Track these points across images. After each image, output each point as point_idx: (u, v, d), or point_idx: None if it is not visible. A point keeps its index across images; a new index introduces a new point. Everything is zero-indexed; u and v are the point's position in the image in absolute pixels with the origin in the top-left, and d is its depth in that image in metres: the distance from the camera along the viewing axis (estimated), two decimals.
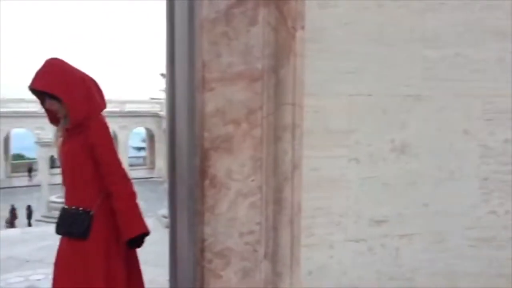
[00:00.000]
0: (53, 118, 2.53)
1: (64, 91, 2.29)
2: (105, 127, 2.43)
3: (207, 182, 1.60)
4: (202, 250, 1.63)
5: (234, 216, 1.63)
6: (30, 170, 34.85)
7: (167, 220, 5.52)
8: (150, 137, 39.77)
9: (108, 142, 2.42)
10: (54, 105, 2.37)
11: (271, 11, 1.55)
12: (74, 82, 2.33)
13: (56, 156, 2.66)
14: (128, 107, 36.80)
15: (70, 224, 2.35)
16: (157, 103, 38.90)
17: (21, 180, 34.27)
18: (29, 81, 2.38)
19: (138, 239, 2.43)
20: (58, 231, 2.40)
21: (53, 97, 2.33)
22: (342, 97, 1.69)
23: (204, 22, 1.53)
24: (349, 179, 1.75)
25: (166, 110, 6.62)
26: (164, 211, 5.75)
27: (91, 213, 2.34)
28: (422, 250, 1.91)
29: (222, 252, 1.63)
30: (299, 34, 1.56)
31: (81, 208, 2.36)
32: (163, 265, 4.34)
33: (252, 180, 1.63)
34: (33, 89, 2.36)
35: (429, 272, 1.93)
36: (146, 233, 2.45)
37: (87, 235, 2.32)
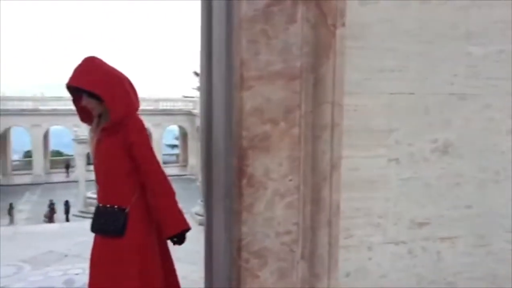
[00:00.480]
0: (85, 117, 2.55)
1: (105, 90, 2.31)
2: (142, 126, 2.46)
3: (244, 181, 1.59)
4: (239, 250, 1.62)
5: (271, 216, 1.61)
6: (67, 166, 35.85)
7: (200, 218, 5.58)
8: (183, 135, 40.25)
9: (146, 140, 2.45)
10: (91, 103, 2.39)
11: (310, 9, 1.52)
12: (113, 81, 2.36)
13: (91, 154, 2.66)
14: (162, 105, 37.34)
15: (105, 222, 2.38)
16: (190, 101, 39.33)
17: (59, 176, 35.30)
18: (67, 79, 2.42)
19: (180, 236, 2.46)
20: (93, 229, 2.43)
21: (91, 95, 2.36)
22: (382, 96, 1.65)
23: (242, 20, 1.51)
24: (389, 180, 1.71)
25: (201, 108, 6.60)
26: (198, 208, 5.81)
27: (127, 210, 2.37)
28: (464, 253, 1.85)
29: (259, 252, 1.62)
30: (339, 31, 1.53)
31: (116, 206, 2.38)
32: (196, 262, 4.38)
33: (290, 180, 1.61)
34: (71, 86, 2.39)
35: (471, 276, 1.87)
36: (188, 229, 2.47)
37: (123, 233, 2.35)
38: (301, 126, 1.58)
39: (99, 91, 2.32)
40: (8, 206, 25.39)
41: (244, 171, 1.59)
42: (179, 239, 2.46)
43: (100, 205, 2.43)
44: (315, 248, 1.65)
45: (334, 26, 1.53)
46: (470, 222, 1.83)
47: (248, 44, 1.53)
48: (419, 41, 1.66)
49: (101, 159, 2.44)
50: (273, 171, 1.59)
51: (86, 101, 2.39)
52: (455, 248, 1.82)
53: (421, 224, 1.76)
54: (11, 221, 24.13)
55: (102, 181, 2.45)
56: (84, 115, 2.54)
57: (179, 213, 2.45)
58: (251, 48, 1.53)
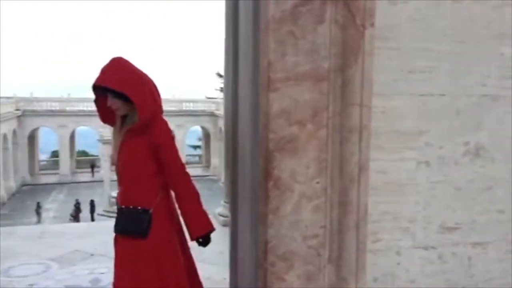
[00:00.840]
0: (106, 117, 2.53)
1: (134, 91, 2.31)
2: (168, 128, 2.46)
3: (271, 183, 1.58)
4: (265, 252, 1.61)
5: (297, 219, 1.60)
6: (92, 166, 36.43)
7: (224, 219, 5.58)
8: (206, 135, 40.46)
9: (172, 142, 2.46)
10: (116, 103, 2.36)
11: (339, 9, 1.50)
12: (141, 82, 2.36)
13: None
14: (185, 106, 37.64)
15: (129, 223, 2.37)
16: (213, 102, 39.54)
17: (85, 175, 35.91)
18: (93, 80, 2.41)
19: (205, 237, 2.47)
20: (117, 230, 2.42)
21: (117, 95, 2.34)
22: (412, 97, 1.61)
23: (270, 21, 1.50)
24: (418, 183, 1.67)
25: (225, 109, 6.62)
26: (221, 209, 5.81)
27: (150, 211, 2.38)
28: (496, 259, 1.79)
29: (285, 255, 1.61)
30: (368, 31, 1.50)
31: (139, 207, 2.39)
32: (220, 263, 4.39)
33: (317, 182, 1.59)
34: (98, 86, 2.37)
35: (503, 283, 1.81)
36: (212, 230, 2.48)
37: (147, 234, 2.35)
38: (329, 128, 1.56)
39: (128, 91, 2.31)
40: (35, 205, 25.96)
41: (271, 173, 1.57)
42: (205, 241, 2.46)
43: (123, 206, 2.41)
44: (343, 252, 1.63)
45: (363, 26, 1.50)
46: (502, 227, 1.78)
47: (276, 45, 1.51)
48: (451, 41, 1.62)
49: (125, 160, 2.41)
50: (300, 173, 1.58)
51: (111, 101, 2.37)
52: (486, 254, 1.77)
53: (451, 229, 1.72)
54: (39, 220, 24.67)
55: (126, 182, 2.43)
56: (106, 115, 2.52)
57: (204, 214, 2.46)
58: (278, 49, 1.52)
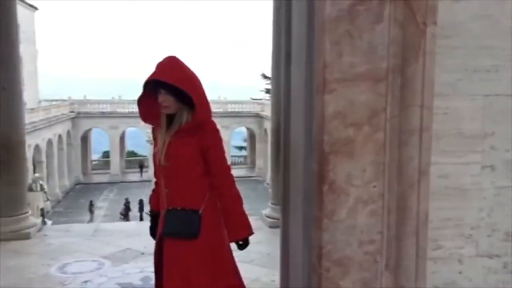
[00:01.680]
0: (148, 116, 2.45)
1: (193, 90, 2.30)
2: (218, 129, 2.47)
3: (325, 187, 1.54)
4: (320, 257, 1.57)
5: (353, 224, 1.55)
6: (141, 166, 37.41)
7: (271, 220, 5.56)
8: (251, 136, 40.65)
9: (221, 144, 2.47)
10: (169, 100, 2.32)
11: (398, 7, 1.45)
12: (197, 81, 2.35)
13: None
14: (230, 108, 37.98)
15: (180, 225, 2.36)
16: (258, 103, 39.67)
17: (134, 175, 36.93)
18: (141, 82, 2.38)
19: (245, 240, 2.49)
20: (167, 232, 2.39)
21: (170, 92, 2.29)
22: (476, 98, 1.53)
23: (326, 21, 1.47)
24: (482, 188, 1.58)
25: (272, 111, 6.58)
26: (268, 211, 5.80)
27: (200, 212, 2.39)
28: None
29: (341, 261, 1.57)
30: (430, 29, 1.43)
31: (189, 208, 2.39)
32: (268, 265, 4.38)
33: (374, 187, 1.54)
34: (155, 81, 2.30)
35: None
36: (251, 234, 2.50)
37: (198, 235, 2.36)
38: (387, 130, 1.51)
39: (188, 89, 2.29)
40: (89, 204, 26.93)
41: (325, 176, 1.54)
42: (244, 244, 2.48)
43: (170, 208, 2.40)
44: (401, 259, 1.56)
45: (425, 24, 1.44)
46: None
47: (331, 45, 1.48)
48: None
49: (176, 161, 2.38)
50: (356, 177, 1.53)
51: (164, 98, 2.32)
52: None
53: None
54: (92, 218, 25.59)
55: (176, 184, 2.40)
56: (146, 114, 2.46)
57: (246, 217, 2.49)
58: (334, 49, 1.48)
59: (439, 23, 1.48)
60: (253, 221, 5.89)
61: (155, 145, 2.52)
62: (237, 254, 4.75)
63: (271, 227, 5.49)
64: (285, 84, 2.05)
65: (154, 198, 2.64)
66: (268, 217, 5.67)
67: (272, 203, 5.84)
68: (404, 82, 1.49)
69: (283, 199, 2.13)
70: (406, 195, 1.54)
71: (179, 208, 2.38)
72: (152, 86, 2.35)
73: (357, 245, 1.56)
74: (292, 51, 1.93)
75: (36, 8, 34.54)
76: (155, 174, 2.60)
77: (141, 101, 2.42)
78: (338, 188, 1.54)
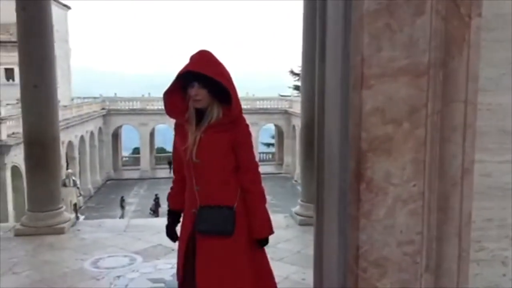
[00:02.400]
0: (173, 111, 2.41)
1: (230, 84, 2.29)
2: (248, 125, 2.45)
3: (363, 185, 1.50)
4: (356, 258, 1.53)
5: (392, 224, 1.50)
6: (170, 162, 37.75)
7: (301, 218, 5.53)
8: (279, 133, 40.57)
9: (251, 141, 2.46)
10: (202, 94, 2.27)
11: None
12: (230, 76, 2.33)
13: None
14: (259, 104, 37.96)
15: (215, 222, 2.34)
16: (286, 100, 39.54)
17: (163, 171, 37.39)
18: (170, 79, 2.34)
19: (266, 239, 2.48)
20: (202, 230, 2.35)
21: (204, 86, 2.26)
22: None
23: (364, 14, 1.42)
24: None
25: (301, 108, 6.53)
26: (298, 208, 5.76)
27: (234, 209, 2.37)
28: None
29: (378, 262, 1.52)
30: (474, 22, 1.37)
31: (223, 206, 2.36)
32: (298, 263, 4.35)
33: (413, 185, 1.48)
34: (188, 73, 2.26)
35: None
36: (272, 233, 2.53)
37: (234, 232, 2.34)
38: (428, 127, 1.45)
39: (225, 82, 2.26)
40: (120, 199, 27.42)
41: (363, 175, 1.49)
42: (265, 242, 2.48)
43: (203, 205, 2.36)
44: (442, 260, 1.51)
45: (469, 16, 1.37)
46: None
47: (370, 39, 1.43)
48: None
49: (208, 158, 2.34)
50: (395, 175, 1.48)
51: (198, 91, 2.27)
52: None
53: None
54: (123, 213, 26.05)
55: (208, 181, 2.37)
56: (173, 109, 2.41)
57: (269, 216, 2.49)
58: (373, 43, 1.43)
59: (484, 15, 1.41)
60: (282, 218, 5.90)
61: (178, 141, 2.46)
62: (267, 251, 4.73)
63: (301, 224, 5.46)
64: (319, 80, 2.00)
65: (175, 196, 2.60)
66: (298, 214, 5.64)
67: (302, 201, 5.80)
68: (447, 77, 1.43)
69: (317, 198, 2.09)
70: (448, 194, 1.48)
71: (212, 205, 2.35)
72: (184, 79, 2.31)
73: (395, 246, 1.51)
74: (327, 47, 1.89)
75: (69, 7, 35.33)
76: (176, 171, 2.57)
77: (166, 95, 2.38)
78: (376, 187, 1.49)
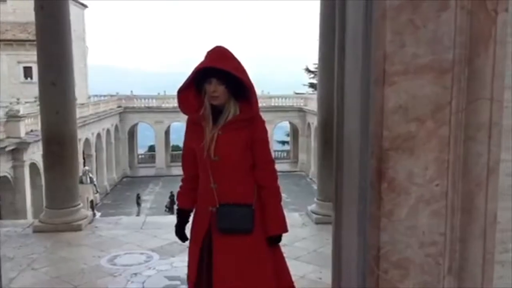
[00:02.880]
0: (188, 108, 2.37)
1: (249, 80, 2.27)
2: (264, 122, 2.43)
3: (385, 185, 1.47)
4: (377, 258, 1.50)
5: (414, 224, 1.47)
6: None
7: (317, 216, 5.49)
8: (294, 131, 40.46)
9: (267, 137, 2.44)
10: (220, 90, 2.25)
11: None
12: (247, 73, 2.31)
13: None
14: (274, 102, 37.89)
15: (235, 220, 2.30)
16: (301, 97, 39.40)
17: (178, 169, 37.19)
18: (186, 76, 2.30)
19: (279, 237, 2.46)
20: (223, 228, 2.32)
21: (223, 83, 2.23)
22: None
23: (387, 9, 1.39)
24: None
25: (318, 106, 6.46)
26: (314, 206, 5.72)
27: (253, 207, 2.35)
28: None
29: (400, 263, 1.49)
30: (501, 17, 1.33)
31: (243, 203, 2.34)
32: (314, 262, 4.32)
33: (436, 185, 1.45)
34: (208, 69, 2.22)
35: None
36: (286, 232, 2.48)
37: (253, 229, 2.32)
38: (452, 125, 1.42)
39: (245, 79, 2.24)
40: (136, 196, 27.63)
41: (385, 174, 1.46)
42: (278, 239, 2.45)
43: (222, 203, 2.33)
44: (465, 262, 1.47)
45: (495, 11, 1.33)
46: None
47: (393, 35, 1.40)
48: None
49: (227, 155, 2.30)
50: (418, 175, 1.45)
51: (216, 87, 2.24)
52: None
53: None
54: (139, 210, 26.27)
55: (226, 178, 2.33)
56: (186, 106, 2.38)
57: (284, 214, 2.45)
58: (396, 40, 1.40)
59: (511, 10, 1.37)
60: (298, 217, 5.87)
61: (192, 139, 2.41)
62: (283, 250, 4.70)
63: (317, 223, 5.42)
64: (338, 78, 1.97)
65: (185, 195, 2.54)
66: (314, 213, 5.60)
67: (318, 199, 5.76)
68: (472, 74, 1.39)
69: (335, 197, 2.06)
70: (473, 195, 1.44)
71: (231, 203, 2.32)
72: (200, 75, 2.28)
73: (417, 247, 1.48)
74: (347, 44, 1.86)
75: (86, 6, 35.66)
76: (186, 169, 2.51)
77: (180, 92, 2.35)
78: (398, 186, 1.46)
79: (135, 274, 4.07)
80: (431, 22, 1.37)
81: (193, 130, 2.40)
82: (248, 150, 2.34)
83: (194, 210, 2.53)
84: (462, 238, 1.47)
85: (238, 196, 2.35)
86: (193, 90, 2.33)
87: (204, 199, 2.40)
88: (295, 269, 4.08)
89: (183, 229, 2.57)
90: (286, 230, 2.46)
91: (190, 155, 2.44)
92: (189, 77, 2.30)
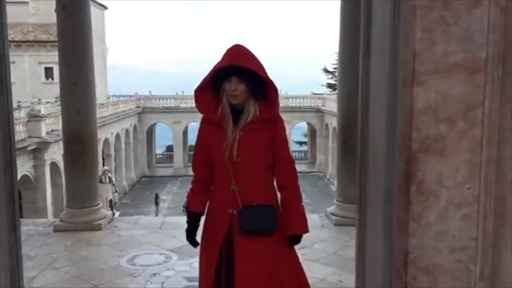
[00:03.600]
0: (206, 108, 2.31)
1: (272, 80, 2.24)
2: (283, 121, 2.40)
3: (413, 188, 1.42)
4: (405, 264, 1.45)
5: (444, 229, 1.42)
6: None
7: (336, 218, 5.43)
8: (312, 131, 40.28)
9: (286, 137, 2.41)
10: (240, 88, 2.20)
11: None
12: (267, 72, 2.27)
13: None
14: (291, 102, 37.78)
15: (259, 222, 2.25)
16: (319, 97, 39.21)
17: None
18: (201, 76, 2.27)
19: (299, 237, 2.40)
20: (247, 229, 2.25)
21: (244, 82, 2.19)
22: None
23: (417, 6, 1.34)
24: None
25: (338, 107, 6.38)
26: (334, 208, 5.65)
27: (275, 207, 2.32)
28: None
29: (429, 268, 1.44)
30: None
31: (266, 204, 2.30)
32: (334, 264, 4.27)
33: (468, 188, 1.40)
34: (229, 68, 2.17)
35: None
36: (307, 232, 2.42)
37: (275, 230, 2.30)
38: (484, 126, 1.36)
39: (267, 78, 2.20)
40: (154, 196, 27.82)
41: (414, 176, 1.41)
42: (298, 240, 2.39)
43: (245, 205, 2.27)
44: (498, 268, 1.41)
45: None
46: None
47: (423, 33, 1.35)
48: None
49: (249, 156, 2.26)
50: (448, 177, 1.40)
51: (236, 86, 2.19)
52: None
53: None
54: (157, 209, 26.45)
55: (248, 180, 2.28)
56: (204, 106, 2.32)
57: (305, 214, 2.40)
58: (426, 37, 1.35)
59: None
60: (317, 218, 5.80)
61: (209, 140, 2.34)
62: (302, 252, 4.65)
63: (336, 224, 5.36)
64: (363, 78, 1.92)
65: (197, 197, 2.45)
66: (334, 214, 5.54)
67: (337, 200, 5.70)
68: (506, 72, 1.34)
69: (359, 199, 2.02)
70: (506, 198, 1.39)
71: (254, 204, 2.27)
72: (220, 74, 2.22)
73: (447, 252, 1.42)
74: (373, 43, 1.81)
75: (105, 7, 36.08)
76: (199, 171, 2.43)
77: (197, 92, 2.30)
78: (427, 189, 1.41)
79: (154, 274, 4.07)
80: (463, 19, 1.32)
81: (211, 130, 2.33)
82: (269, 150, 2.31)
83: (206, 214, 2.44)
84: (495, 243, 1.41)
85: (261, 197, 2.32)
86: (209, 90, 2.28)
87: (223, 201, 2.34)
88: (314, 271, 4.04)
89: (195, 233, 2.47)
90: (307, 230, 2.40)
91: (204, 156, 2.37)
92: (208, 75, 2.25)
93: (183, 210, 25.66)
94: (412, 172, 1.42)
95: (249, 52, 2.25)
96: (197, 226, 2.47)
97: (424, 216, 1.42)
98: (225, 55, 2.24)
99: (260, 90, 2.25)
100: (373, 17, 1.80)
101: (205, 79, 2.26)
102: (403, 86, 1.43)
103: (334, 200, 5.80)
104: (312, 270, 4.07)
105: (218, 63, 2.22)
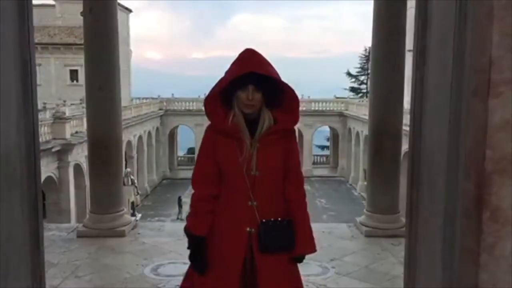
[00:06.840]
0: (218, 119, 2.13)
1: (292, 89, 2.09)
2: (295, 131, 2.26)
3: (486, 214, 1.24)
4: None
5: None
6: None
7: (367, 229, 5.21)
8: (334, 136, 39.90)
9: (298, 149, 2.28)
10: (257, 97, 2.05)
11: None
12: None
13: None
14: (314, 106, 37.51)
15: (280, 238, 2.10)
16: (342, 102, 38.85)
17: None
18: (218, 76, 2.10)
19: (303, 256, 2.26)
20: (272, 249, 2.09)
21: (260, 90, 2.05)
22: None
23: (494, 7, 1.17)
24: None
25: (370, 113, 6.15)
26: (364, 218, 5.44)
27: (292, 221, 2.17)
28: None
29: None
30: None
31: (281, 219, 2.14)
32: (366, 279, 4.06)
33: None
34: (248, 75, 2.01)
35: None
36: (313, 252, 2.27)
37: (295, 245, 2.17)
38: None
39: (286, 86, 2.07)
40: (177, 199, 27.83)
41: (487, 201, 1.23)
42: (303, 258, 2.25)
43: (263, 220, 2.10)
44: None
45: None
46: None
47: (501, 38, 1.17)
48: None
49: (268, 169, 2.11)
50: None
51: (253, 94, 2.03)
52: None
53: None
54: (180, 212, 26.53)
55: (266, 194, 2.12)
56: (215, 116, 2.14)
57: (311, 231, 2.23)
58: (505, 42, 1.17)
59: None
60: (346, 228, 5.60)
61: (220, 153, 2.13)
62: (332, 264, 4.45)
63: (367, 235, 5.15)
64: (417, 86, 1.75)
65: (203, 219, 2.18)
66: (363, 224, 5.33)
67: (367, 210, 5.48)
68: None
69: (409, 220, 1.83)
70: None
71: (272, 219, 2.11)
72: (234, 81, 2.03)
73: None
74: (430, 48, 1.63)
75: (130, 10, 36.46)
76: (208, 187, 2.17)
77: (207, 103, 2.12)
78: (502, 217, 1.23)
79: (178, 286, 3.93)
80: None
81: (223, 142, 2.12)
82: (284, 162, 2.16)
83: (213, 232, 2.19)
84: None
85: (278, 212, 2.16)
86: (219, 98, 2.10)
87: (238, 219, 2.13)
88: (346, 286, 3.84)
89: (203, 259, 2.20)
90: (314, 250, 2.23)
91: (214, 170, 2.14)
92: (221, 83, 2.06)
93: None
94: (485, 196, 1.24)
95: (264, 57, 2.08)
96: (202, 252, 2.20)
97: (499, 247, 1.24)
98: (238, 60, 2.06)
99: (273, 98, 2.09)
100: (430, 18, 1.63)
101: (216, 86, 2.07)
102: (474, 98, 1.26)
103: (364, 210, 5.59)
104: (343, 285, 3.88)
105: (233, 70, 2.04)
